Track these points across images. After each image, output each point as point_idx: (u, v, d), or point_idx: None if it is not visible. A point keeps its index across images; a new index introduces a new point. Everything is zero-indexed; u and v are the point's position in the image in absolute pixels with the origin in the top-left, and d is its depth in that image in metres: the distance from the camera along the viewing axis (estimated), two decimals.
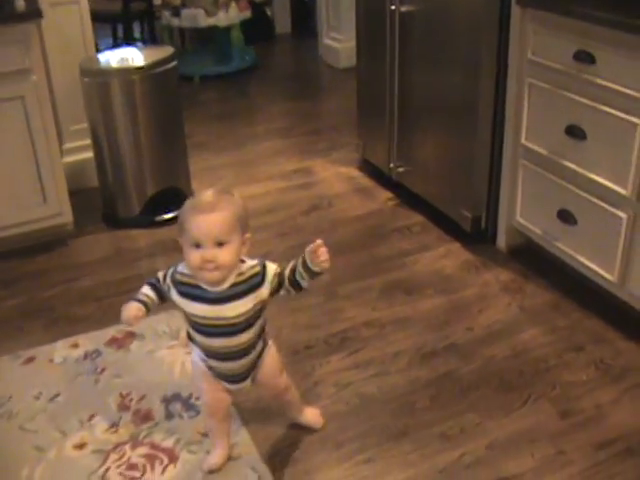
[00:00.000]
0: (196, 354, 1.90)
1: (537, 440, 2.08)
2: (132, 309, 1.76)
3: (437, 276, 2.82)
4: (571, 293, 2.67)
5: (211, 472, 1.97)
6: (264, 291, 1.78)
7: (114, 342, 2.48)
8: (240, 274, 1.76)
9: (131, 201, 3.20)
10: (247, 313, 1.77)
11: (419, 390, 2.26)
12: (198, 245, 1.66)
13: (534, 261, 2.85)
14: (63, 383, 2.32)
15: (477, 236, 2.98)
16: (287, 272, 1.78)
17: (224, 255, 1.67)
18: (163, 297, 1.83)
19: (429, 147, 3.12)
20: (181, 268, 1.79)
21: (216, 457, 1.98)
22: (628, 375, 2.31)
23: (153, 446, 2.07)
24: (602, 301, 2.57)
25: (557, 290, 2.70)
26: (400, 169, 3.29)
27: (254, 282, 1.77)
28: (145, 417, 2.17)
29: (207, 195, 1.72)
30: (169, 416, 2.17)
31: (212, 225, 1.66)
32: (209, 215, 1.66)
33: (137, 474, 1.98)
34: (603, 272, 2.47)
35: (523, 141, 2.71)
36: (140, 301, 1.79)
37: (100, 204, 3.31)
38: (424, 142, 3.15)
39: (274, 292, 1.80)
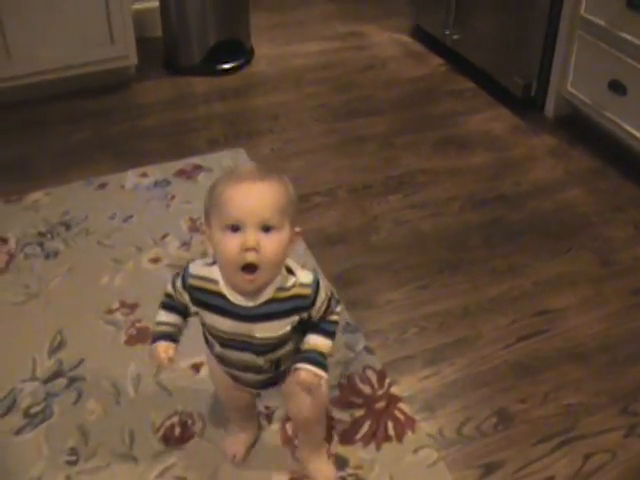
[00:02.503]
0: (211, 354, 1.44)
1: (578, 282, 2.18)
2: (159, 352, 1.34)
3: (487, 136, 2.88)
4: (614, 161, 2.72)
5: (235, 462, 1.62)
6: (306, 315, 1.31)
7: (182, 173, 2.57)
8: (282, 289, 1.27)
9: (193, 50, 3.23)
10: (283, 335, 1.31)
11: (471, 231, 2.36)
12: (236, 227, 1.17)
13: (580, 130, 2.89)
14: (135, 206, 2.42)
15: (526, 103, 3.01)
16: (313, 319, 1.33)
17: (271, 244, 1.18)
18: (187, 313, 1.39)
19: (486, 15, 3.11)
20: (194, 269, 1.32)
21: (238, 443, 1.63)
22: None
23: None
24: None
25: (601, 157, 2.76)
26: (455, 36, 3.28)
27: (298, 304, 1.29)
28: None
29: (249, 166, 1.30)
30: None
31: (259, 198, 1.18)
32: (256, 184, 1.19)
33: None
34: None
35: (582, 12, 2.70)
36: (164, 337, 1.36)
37: (161, 53, 3.35)
38: (482, 10, 3.13)
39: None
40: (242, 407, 1.58)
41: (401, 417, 1.73)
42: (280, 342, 1.32)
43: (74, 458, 1.63)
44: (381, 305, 2.06)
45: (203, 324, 1.35)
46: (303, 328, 1.34)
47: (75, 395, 1.77)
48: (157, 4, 3.29)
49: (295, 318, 1.29)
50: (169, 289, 1.38)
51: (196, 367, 1.84)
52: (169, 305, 1.39)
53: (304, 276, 1.29)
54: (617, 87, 2.59)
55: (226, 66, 3.26)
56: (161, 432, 1.69)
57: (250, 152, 2.66)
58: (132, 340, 1.92)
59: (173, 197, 2.45)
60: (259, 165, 1.28)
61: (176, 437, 1.68)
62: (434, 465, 1.63)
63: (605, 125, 2.72)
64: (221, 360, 1.40)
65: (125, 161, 2.65)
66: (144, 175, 2.56)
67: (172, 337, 1.37)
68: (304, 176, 2.56)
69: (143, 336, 1.92)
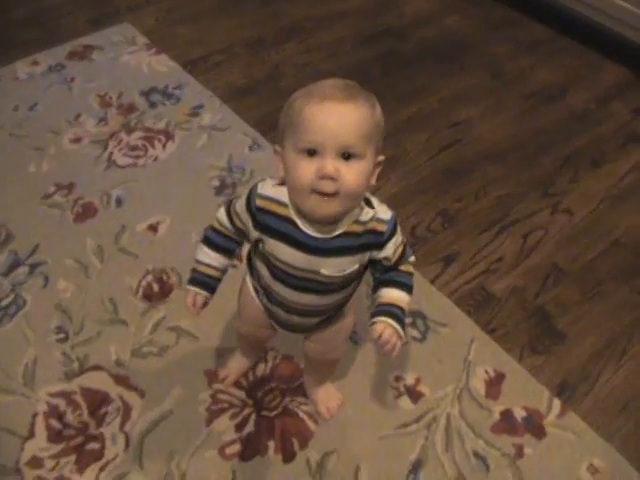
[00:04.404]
0: (251, 283, 1.28)
1: (477, 95, 2.31)
2: (189, 298, 1.22)
3: None
4: None
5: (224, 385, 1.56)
6: (378, 255, 1.13)
7: (74, 55, 2.45)
8: (358, 222, 1.08)
9: None
10: (350, 275, 1.13)
11: (369, 64, 2.42)
12: (313, 152, 0.99)
13: None
14: (36, 94, 2.29)
15: None
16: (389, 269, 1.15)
17: (351, 174, 0.99)
18: (234, 248, 1.22)
19: None
20: (262, 189, 1.10)
21: (234, 370, 1.56)
22: (540, 47, 2.56)
23: (147, 130, 2.14)
24: None
25: None
26: None
27: (371, 240, 1.10)
28: (130, 109, 2.22)
29: (335, 81, 1.05)
30: (152, 105, 2.23)
31: (343, 121, 0.98)
32: (340, 105, 0.99)
33: (141, 153, 2.07)
34: None
35: None
36: (199, 283, 1.21)
37: None
38: None
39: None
40: (259, 342, 1.49)
41: None
42: (345, 283, 1.16)
43: (63, 335, 1.61)
44: None
45: (263, 253, 1.15)
46: (365, 271, 1.18)
47: (42, 279, 1.73)
48: None
49: (365, 256, 1.12)
50: (221, 217, 1.18)
51: (153, 227, 1.84)
52: (214, 241, 1.20)
53: (383, 211, 1.10)
54: None
55: None
56: (140, 292, 1.70)
57: (135, 25, 2.58)
58: (80, 217, 1.88)
59: (73, 79, 2.35)
60: (345, 81, 1.04)
61: (156, 293, 1.70)
62: None
63: None
64: (269, 297, 1.22)
65: (7, 54, 2.47)
66: (35, 63, 2.42)
67: (208, 285, 1.22)
68: (196, 39, 2.52)
69: (90, 211, 1.89)
